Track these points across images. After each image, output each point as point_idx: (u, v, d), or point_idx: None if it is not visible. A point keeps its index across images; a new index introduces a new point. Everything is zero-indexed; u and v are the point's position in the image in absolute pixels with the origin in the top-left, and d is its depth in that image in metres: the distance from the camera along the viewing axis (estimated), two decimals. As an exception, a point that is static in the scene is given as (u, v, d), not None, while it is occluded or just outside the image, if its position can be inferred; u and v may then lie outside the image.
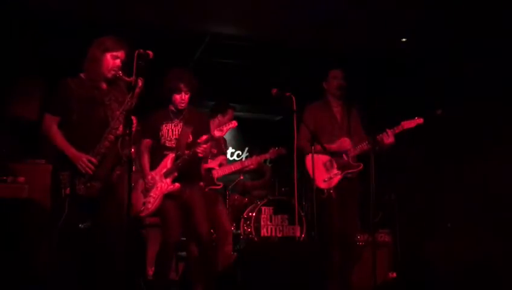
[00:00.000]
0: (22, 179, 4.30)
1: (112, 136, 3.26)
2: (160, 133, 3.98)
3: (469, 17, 5.25)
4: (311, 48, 6.22)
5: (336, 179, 4.22)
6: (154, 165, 3.99)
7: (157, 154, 4.01)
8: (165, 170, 3.92)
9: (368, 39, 5.98)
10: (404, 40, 6.03)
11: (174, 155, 3.93)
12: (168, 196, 3.90)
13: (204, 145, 3.85)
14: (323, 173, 4.19)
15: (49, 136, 3.29)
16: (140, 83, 3.22)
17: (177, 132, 3.98)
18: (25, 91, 5.50)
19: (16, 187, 4.24)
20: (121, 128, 3.25)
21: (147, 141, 4.03)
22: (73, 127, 3.29)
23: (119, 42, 3.38)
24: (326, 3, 5.18)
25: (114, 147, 3.28)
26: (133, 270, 3.52)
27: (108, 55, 3.33)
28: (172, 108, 4.03)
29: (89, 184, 3.22)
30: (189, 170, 3.94)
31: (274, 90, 3.97)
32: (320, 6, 5.22)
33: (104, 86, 3.41)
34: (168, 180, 3.91)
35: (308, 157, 4.24)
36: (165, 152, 3.96)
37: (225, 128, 3.91)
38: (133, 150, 3.29)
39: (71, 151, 3.23)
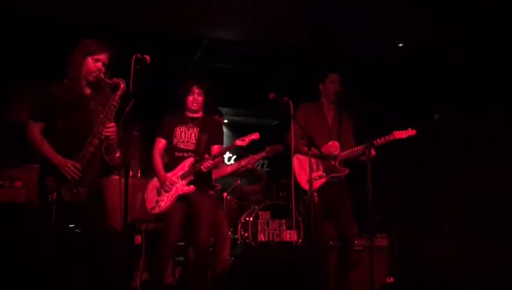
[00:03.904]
0: (18, 183, 4.29)
1: (96, 141, 3.23)
2: (174, 134, 4.11)
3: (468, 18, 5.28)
4: (309, 52, 6.24)
5: (319, 182, 4.22)
6: (168, 166, 4.10)
7: (168, 155, 4.14)
8: (182, 172, 4.04)
9: (365, 44, 5.99)
10: (400, 45, 6.05)
11: (193, 159, 4.04)
12: (179, 198, 4.01)
13: (210, 162, 3.97)
14: (308, 174, 4.15)
15: (34, 143, 3.26)
16: (122, 85, 3.22)
17: (190, 136, 4.11)
18: (21, 94, 5.48)
19: (12, 192, 4.23)
20: (112, 133, 3.24)
21: (162, 141, 4.14)
22: (57, 133, 3.26)
23: (101, 45, 3.34)
24: (324, 8, 5.20)
25: (99, 152, 3.25)
26: (126, 274, 3.48)
27: (89, 59, 3.30)
28: (188, 113, 4.17)
29: (75, 190, 3.19)
30: (201, 176, 4.05)
31: (271, 95, 3.97)
32: (318, 10, 5.25)
33: (88, 91, 3.37)
34: (184, 182, 4.03)
35: (295, 158, 4.25)
36: (176, 153, 4.08)
37: (247, 139, 4.08)
38: (118, 154, 3.29)
39: (56, 157, 3.20)
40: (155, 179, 4.16)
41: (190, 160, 4.06)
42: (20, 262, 3.84)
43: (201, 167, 3.97)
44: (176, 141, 4.11)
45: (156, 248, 4.04)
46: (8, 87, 5.56)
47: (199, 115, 4.21)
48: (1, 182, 4.25)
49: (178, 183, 4.03)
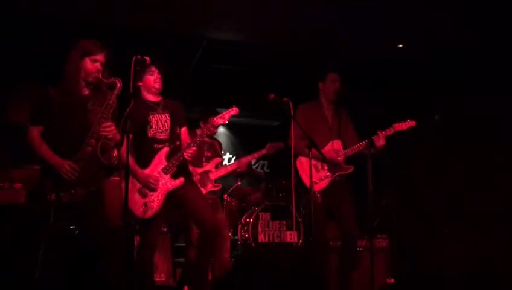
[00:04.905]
0: (18, 185, 4.28)
1: (93, 141, 3.21)
2: (149, 125, 3.75)
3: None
4: (309, 53, 6.23)
5: (326, 182, 4.21)
6: (143, 161, 3.74)
7: (144, 148, 3.76)
8: (162, 166, 3.74)
9: (365, 45, 5.99)
10: (400, 45, 6.05)
11: (168, 149, 3.76)
12: (168, 195, 3.72)
13: (194, 148, 3.71)
14: (313, 174, 4.07)
15: (33, 146, 3.26)
16: (119, 84, 3.21)
17: (164, 123, 3.80)
18: (20, 95, 5.48)
19: (12, 193, 4.22)
20: (109, 133, 3.22)
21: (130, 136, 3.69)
22: (57, 135, 3.25)
23: (98, 45, 3.33)
24: (324, 9, 5.20)
25: (96, 153, 3.22)
26: (127, 273, 3.46)
27: (87, 60, 3.29)
28: (150, 98, 3.84)
29: (73, 191, 3.18)
30: (181, 165, 3.80)
31: (271, 96, 3.96)
32: (318, 12, 5.25)
33: (86, 91, 3.36)
34: (168, 176, 3.73)
35: (299, 160, 4.24)
36: (156, 146, 3.75)
37: (227, 115, 3.76)
38: (115, 153, 3.27)
39: (54, 158, 3.19)
40: (130, 181, 3.65)
41: (165, 150, 3.75)
42: (21, 263, 3.84)
43: (185, 156, 3.68)
44: (153, 132, 3.76)
45: (139, 250, 3.78)
46: (8, 88, 5.56)
47: (160, 98, 3.87)
48: (1, 184, 4.24)
49: (163, 178, 3.72)
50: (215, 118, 3.74)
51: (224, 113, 3.76)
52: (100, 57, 3.31)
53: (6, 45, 5.32)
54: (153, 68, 3.78)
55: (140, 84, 3.76)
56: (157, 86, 3.81)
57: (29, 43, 5.45)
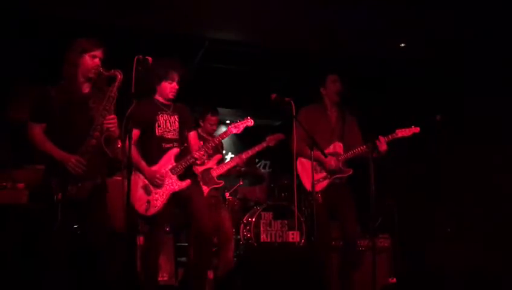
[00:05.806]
0: (21, 185, 4.28)
1: (97, 133, 3.22)
2: (157, 124, 3.77)
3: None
4: (310, 53, 6.24)
5: (324, 183, 4.21)
6: (150, 159, 3.74)
7: (152, 147, 3.77)
8: (171, 166, 3.74)
9: (366, 44, 6.00)
10: (402, 45, 6.05)
11: (177, 150, 3.77)
12: (172, 195, 3.71)
13: (202, 152, 3.75)
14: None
15: (36, 143, 3.25)
16: (119, 76, 3.22)
17: (173, 123, 3.81)
18: (21, 95, 5.48)
19: (15, 193, 4.22)
20: (112, 125, 3.23)
21: (136, 132, 3.69)
22: (59, 133, 3.25)
23: (95, 41, 3.35)
24: (324, 9, 5.21)
25: (100, 144, 3.24)
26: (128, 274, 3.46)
27: (86, 56, 3.31)
28: (160, 98, 3.85)
29: (80, 185, 3.19)
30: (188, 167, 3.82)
31: (273, 96, 3.96)
32: (318, 12, 5.25)
33: (87, 89, 3.37)
34: (175, 177, 3.74)
35: (300, 160, 4.25)
36: (164, 145, 3.77)
37: (241, 126, 3.84)
38: (119, 144, 3.27)
39: (59, 153, 3.19)
40: (134, 177, 3.67)
41: (174, 151, 3.76)
42: (22, 263, 3.84)
43: (196, 158, 3.69)
44: (161, 131, 3.76)
45: (146, 250, 3.81)
46: (8, 88, 5.55)
47: (171, 102, 3.90)
48: (4, 184, 4.24)
49: (170, 178, 3.73)
50: (229, 127, 3.84)
51: (239, 123, 3.85)
52: (99, 52, 3.33)
53: (6, 45, 5.30)
54: (174, 76, 3.79)
55: (157, 86, 3.82)
56: (171, 96, 3.83)
57: (29, 43, 5.44)
